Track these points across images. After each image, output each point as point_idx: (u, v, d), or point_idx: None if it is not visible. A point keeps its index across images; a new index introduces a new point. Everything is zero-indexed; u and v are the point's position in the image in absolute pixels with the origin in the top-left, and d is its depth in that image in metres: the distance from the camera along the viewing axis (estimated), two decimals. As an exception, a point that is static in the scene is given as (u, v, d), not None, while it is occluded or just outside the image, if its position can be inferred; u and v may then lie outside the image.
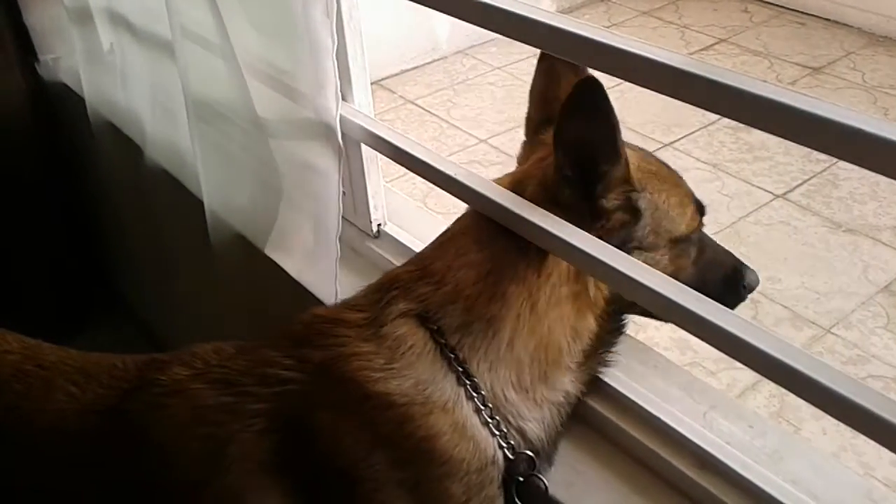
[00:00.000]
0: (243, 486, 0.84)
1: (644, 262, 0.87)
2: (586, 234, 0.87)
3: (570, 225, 0.88)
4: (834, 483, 0.89)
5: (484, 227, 0.94)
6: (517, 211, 0.91)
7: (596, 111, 0.81)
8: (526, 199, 0.92)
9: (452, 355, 0.87)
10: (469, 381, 0.87)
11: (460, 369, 0.87)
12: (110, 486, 0.91)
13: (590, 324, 0.92)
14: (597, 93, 0.80)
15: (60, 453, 0.93)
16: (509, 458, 0.88)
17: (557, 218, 0.89)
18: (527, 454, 0.89)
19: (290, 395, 0.87)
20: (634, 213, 0.90)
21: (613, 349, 0.97)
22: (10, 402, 0.96)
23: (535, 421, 0.90)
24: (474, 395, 0.87)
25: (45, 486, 0.94)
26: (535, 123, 1.03)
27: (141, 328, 2.36)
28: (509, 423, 0.88)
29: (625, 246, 0.89)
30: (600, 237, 0.88)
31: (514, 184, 0.96)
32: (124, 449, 0.90)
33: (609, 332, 0.95)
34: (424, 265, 0.93)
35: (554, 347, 0.90)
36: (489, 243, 0.92)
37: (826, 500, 0.87)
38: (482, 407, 0.87)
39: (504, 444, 0.88)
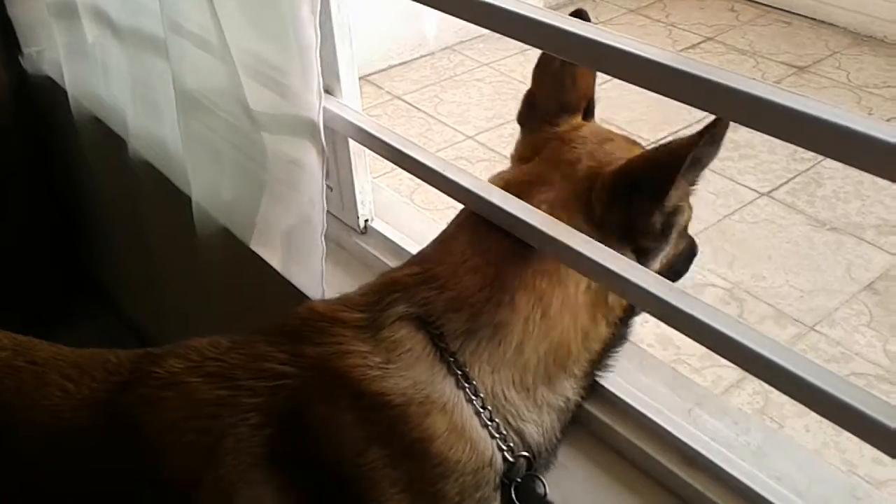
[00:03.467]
0: (238, 479, 0.84)
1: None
2: (596, 243, 0.86)
3: (572, 230, 0.87)
4: (818, 480, 0.90)
5: (484, 229, 0.92)
6: (510, 210, 0.90)
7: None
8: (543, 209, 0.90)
9: (452, 359, 0.86)
10: (469, 384, 0.86)
11: (459, 373, 0.86)
12: (105, 481, 0.90)
13: (602, 331, 0.91)
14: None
15: (55, 449, 0.92)
16: (509, 461, 0.87)
17: (554, 220, 0.89)
18: (524, 455, 0.88)
19: (285, 390, 0.86)
20: (667, 237, 0.92)
21: (615, 354, 0.97)
22: (2, 398, 0.95)
23: (533, 423, 0.89)
24: (474, 397, 0.86)
25: (40, 481, 0.93)
26: (544, 110, 0.99)
27: (126, 323, 2.34)
28: (509, 423, 0.88)
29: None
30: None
31: (525, 185, 0.93)
32: (119, 443, 0.90)
33: (617, 338, 0.95)
34: (426, 268, 0.91)
35: (563, 352, 0.89)
36: (491, 247, 0.90)
37: (810, 496, 0.88)
38: (482, 409, 0.86)
39: (504, 447, 0.87)
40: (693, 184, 0.90)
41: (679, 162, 0.82)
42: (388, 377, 0.84)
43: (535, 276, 0.88)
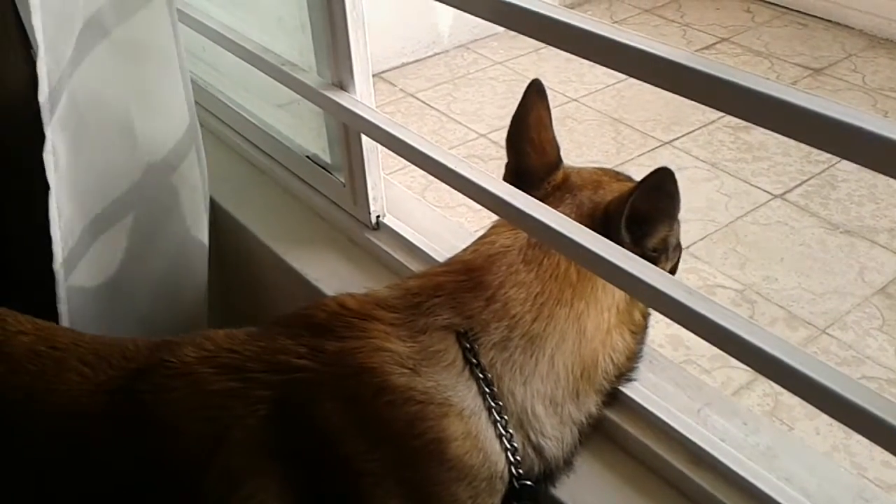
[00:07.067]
0: (244, 470, 0.85)
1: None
2: (602, 238, 0.87)
3: (573, 222, 0.89)
4: (827, 482, 0.90)
5: (531, 246, 0.94)
6: (523, 208, 0.91)
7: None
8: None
9: (480, 371, 0.87)
10: (494, 402, 0.87)
11: (486, 386, 0.87)
12: (119, 465, 0.91)
13: (630, 345, 0.95)
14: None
15: (71, 433, 0.93)
16: (514, 484, 0.88)
17: (556, 212, 0.90)
18: (528, 484, 0.89)
19: (299, 384, 0.86)
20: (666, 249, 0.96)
21: (637, 367, 0.99)
22: (23, 382, 0.96)
23: (555, 440, 0.90)
24: (494, 409, 0.87)
25: (57, 464, 0.94)
26: (535, 174, 1.02)
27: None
28: (529, 439, 0.89)
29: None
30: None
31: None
32: (132, 429, 0.91)
33: (640, 349, 0.98)
34: (474, 276, 0.92)
35: (593, 367, 0.92)
36: (538, 265, 0.92)
37: (819, 498, 0.88)
38: (499, 418, 0.87)
39: (513, 461, 0.87)
40: (672, 227, 0.94)
41: (621, 213, 0.89)
42: (416, 377, 0.85)
43: (574, 294, 0.91)
